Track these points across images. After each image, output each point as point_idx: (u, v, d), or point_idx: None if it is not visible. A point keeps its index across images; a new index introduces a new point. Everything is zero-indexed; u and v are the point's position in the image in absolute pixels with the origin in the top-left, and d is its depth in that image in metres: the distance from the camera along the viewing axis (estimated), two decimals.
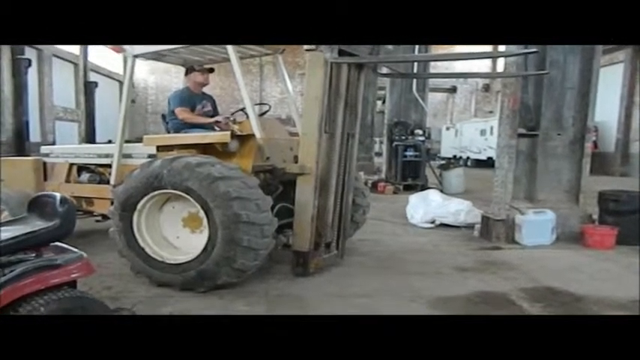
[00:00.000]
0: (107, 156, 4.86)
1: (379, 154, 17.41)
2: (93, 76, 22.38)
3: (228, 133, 3.86)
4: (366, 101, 17.33)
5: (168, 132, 4.57)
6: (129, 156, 4.63)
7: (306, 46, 3.51)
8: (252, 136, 3.94)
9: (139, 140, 4.44)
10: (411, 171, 11.40)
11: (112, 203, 3.83)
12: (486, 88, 30.67)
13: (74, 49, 21.35)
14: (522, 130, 5.67)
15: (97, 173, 5.05)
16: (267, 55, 4.88)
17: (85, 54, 22.04)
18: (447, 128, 28.90)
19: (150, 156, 4.25)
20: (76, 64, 21.69)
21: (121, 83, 20.40)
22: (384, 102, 15.90)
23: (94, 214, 5.06)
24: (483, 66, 27.71)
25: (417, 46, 11.31)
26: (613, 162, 17.94)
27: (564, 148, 5.78)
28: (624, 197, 5.55)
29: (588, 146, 5.76)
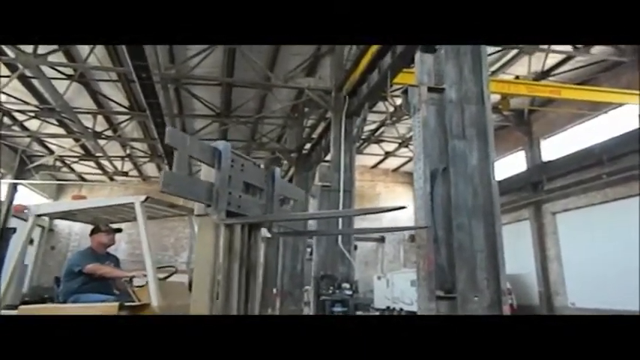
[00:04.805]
0: None
1: (308, 304, 16.86)
2: (13, 221, 21.00)
3: (116, 304, 3.49)
4: (295, 250, 17.35)
5: (57, 297, 4.11)
6: None
7: (196, 212, 3.41)
8: (148, 304, 3.58)
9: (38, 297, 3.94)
10: None
11: None
12: (412, 238, 32.09)
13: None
14: (440, 293, 5.65)
15: None
16: (180, 215, 4.77)
17: (10, 199, 20.94)
18: (379, 278, 29.03)
19: None
20: None
21: (43, 229, 19.24)
22: (311, 252, 15.92)
23: None
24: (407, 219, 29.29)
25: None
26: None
27: (484, 311, 5.72)
28: None
29: (506, 308, 5.77)
